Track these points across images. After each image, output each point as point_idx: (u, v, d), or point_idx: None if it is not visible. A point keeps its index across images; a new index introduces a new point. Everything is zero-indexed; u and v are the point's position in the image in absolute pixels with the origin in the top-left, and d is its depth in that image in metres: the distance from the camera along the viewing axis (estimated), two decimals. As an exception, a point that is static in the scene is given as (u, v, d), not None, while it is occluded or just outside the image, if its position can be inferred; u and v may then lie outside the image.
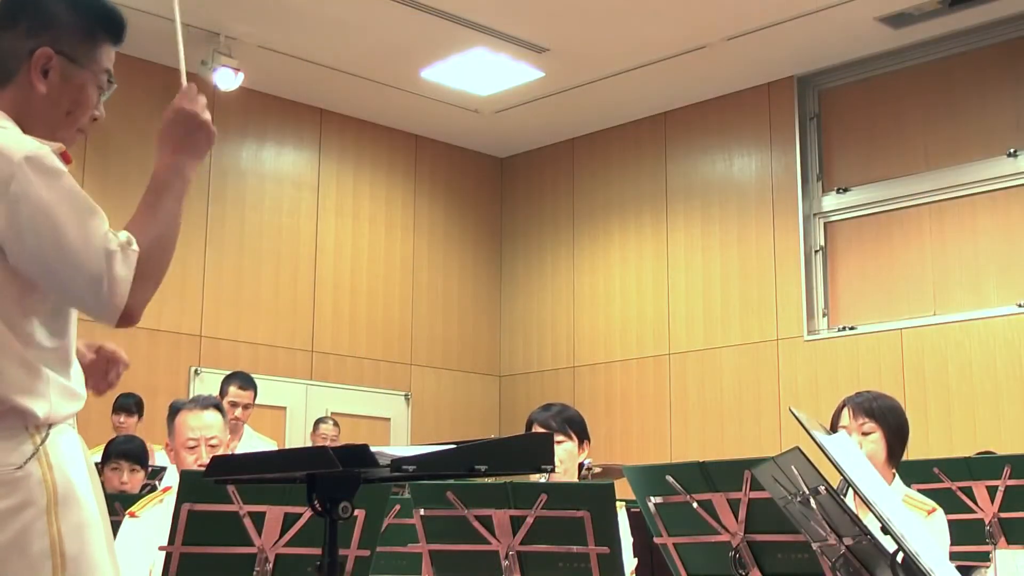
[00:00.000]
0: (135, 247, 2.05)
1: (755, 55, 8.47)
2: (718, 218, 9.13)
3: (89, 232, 2.02)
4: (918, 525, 2.39)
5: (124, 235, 2.05)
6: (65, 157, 2.11)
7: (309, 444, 7.99)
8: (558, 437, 3.93)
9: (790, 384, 8.45)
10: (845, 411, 3.68)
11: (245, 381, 6.43)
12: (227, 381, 6.46)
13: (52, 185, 2.03)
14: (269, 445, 6.53)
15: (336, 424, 8.19)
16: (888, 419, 3.63)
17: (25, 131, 2.12)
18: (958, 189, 8.10)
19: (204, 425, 3.94)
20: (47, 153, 2.06)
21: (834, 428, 3.71)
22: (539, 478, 3.36)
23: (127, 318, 2.05)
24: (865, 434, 3.61)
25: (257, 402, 6.58)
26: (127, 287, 2.03)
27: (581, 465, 4.14)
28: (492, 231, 10.59)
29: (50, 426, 2.07)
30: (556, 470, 3.20)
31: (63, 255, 2.00)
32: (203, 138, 2.25)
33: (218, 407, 4.06)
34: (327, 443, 7.67)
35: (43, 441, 2.05)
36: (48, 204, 2.01)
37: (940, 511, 3.55)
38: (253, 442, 6.44)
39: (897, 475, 3.67)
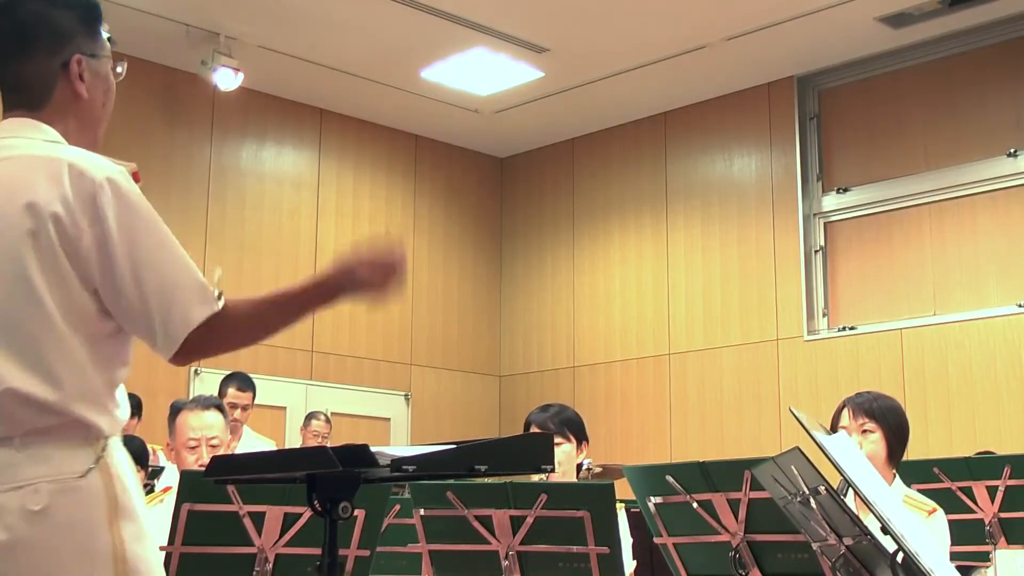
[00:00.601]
0: (220, 302, 2.12)
1: (755, 55, 8.47)
2: (718, 218, 9.13)
3: (166, 262, 2.09)
4: (918, 525, 2.39)
5: (216, 288, 2.13)
6: (135, 176, 2.17)
7: (300, 439, 7.97)
8: (556, 439, 3.93)
9: (790, 384, 8.45)
10: (845, 411, 3.68)
11: (244, 382, 6.43)
12: (226, 382, 6.46)
13: (133, 208, 2.09)
14: (268, 445, 6.53)
15: (328, 420, 8.16)
16: (888, 419, 3.63)
17: (73, 140, 2.19)
18: (958, 189, 8.10)
19: (205, 425, 3.95)
20: (126, 175, 2.12)
21: (834, 428, 3.71)
22: (538, 478, 3.36)
23: (180, 356, 2.10)
24: (865, 433, 3.61)
25: (257, 402, 6.58)
26: (188, 329, 2.08)
27: (580, 466, 4.14)
28: (492, 231, 10.59)
29: (107, 438, 2.11)
30: (555, 472, 3.20)
31: (137, 280, 2.06)
32: (378, 286, 2.23)
33: (219, 408, 4.07)
34: (319, 439, 7.66)
35: (103, 452, 2.10)
36: (130, 228, 2.07)
37: (940, 511, 3.55)
38: (252, 442, 6.44)
39: (897, 475, 3.67)
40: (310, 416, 8.29)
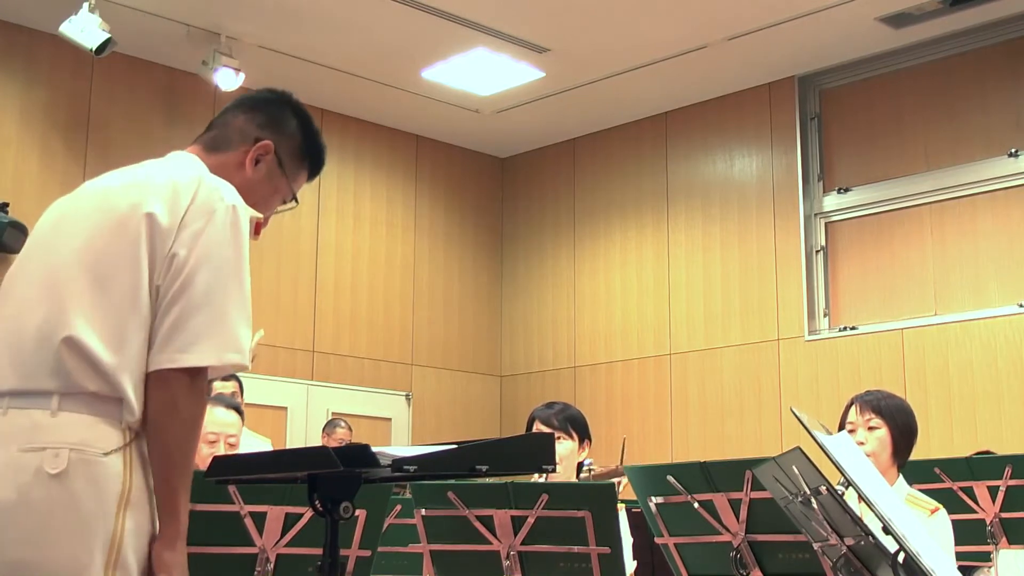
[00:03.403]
0: (243, 359, 2.18)
1: (755, 55, 8.47)
2: (719, 218, 9.13)
3: (229, 296, 2.16)
4: (920, 525, 2.39)
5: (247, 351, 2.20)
6: (257, 228, 2.35)
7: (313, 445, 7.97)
8: (558, 435, 3.94)
9: (791, 384, 8.45)
10: (853, 407, 3.69)
11: (230, 406, 6.42)
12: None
13: (237, 242, 2.20)
14: (264, 443, 6.53)
15: (349, 428, 8.18)
16: (896, 418, 3.64)
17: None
18: (958, 189, 8.09)
19: (226, 422, 4.00)
20: (249, 213, 2.26)
21: (842, 425, 3.72)
22: (538, 478, 3.36)
23: (160, 378, 2.12)
24: (871, 430, 3.62)
25: (258, 402, 6.58)
26: (190, 362, 2.12)
27: (581, 465, 4.15)
28: (493, 231, 10.59)
29: (137, 431, 2.15)
30: (556, 469, 3.20)
31: (203, 301, 2.13)
32: None
33: (238, 409, 4.13)
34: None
35: (131, 440, 2.13)
36: (222, 256, 2.16)
37: (943, 510, 3.55)
38: (247, 440, 6.43)
39: (901, 475, 3.67)
40: (332, 424, 8.28)
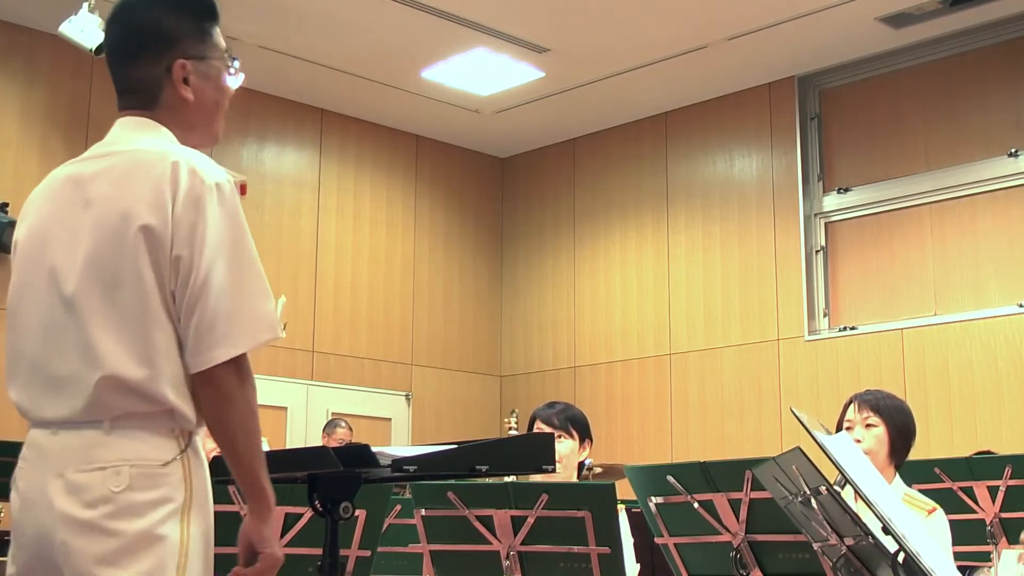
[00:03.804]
0: (274, 332, 2.16)
1: (755, 55, 8.47)
2: (719, 218, 9.13)
3: (245, 279, 2.14)
4: (918, 525, 2.39)
5: (277, 318, 2.19)
6: (242, 188, 2.22)
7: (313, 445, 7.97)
8: (558, 434, 3.94)
9: (791, 384, 8.45)
10: (852, 405, 3.70)
11: None
12: None
13: (233, 221, 2.16)
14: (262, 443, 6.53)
15: (350, 428, 8.18)
16: (895, 418, 3.64)
17: (187, 140, 2.28)
18: (958, 189, 8.09)
19: None
20: (232, 184, 2.20)
21: (840, 423, 3.72)
22: (538, 477, 3.36)
23: (205, 377, 2.12)
24: (869, 428, 3.62)
25: (258, 402, 6.57)
26: (229, 354, 2.11)
27: (581, 465, 4.14)
28: (493, 231, 10.59)
29: (191, 434, 2.17)
30: (556, 468, 3.20)
31: (220, 293, 2.11)
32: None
33: None
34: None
35: (187, 446, 2.15)
36: (224, 243, 2.13)
37: (940, 510, 3.55)
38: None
39: (898, 475, 3.67)
40: (332, 424, 8.28)
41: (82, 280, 2.15)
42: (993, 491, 4.04)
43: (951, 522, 3.61)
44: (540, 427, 4.02)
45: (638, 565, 3.86)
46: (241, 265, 2.14)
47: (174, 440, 2.13)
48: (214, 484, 2.21)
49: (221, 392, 2.11)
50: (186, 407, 2.13)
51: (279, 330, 2.16)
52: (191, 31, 2.32)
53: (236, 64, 2.40)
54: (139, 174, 2.17)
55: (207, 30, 2.35)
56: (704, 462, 3.11)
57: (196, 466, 2.15)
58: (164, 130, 2.28)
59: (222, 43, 2.38)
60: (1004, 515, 4.03)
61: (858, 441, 3.57)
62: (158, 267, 2.13)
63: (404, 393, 9.72)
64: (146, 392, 2.10)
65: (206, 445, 3.99)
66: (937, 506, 3.55)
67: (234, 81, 2.38)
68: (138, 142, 2.23)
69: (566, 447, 3.96)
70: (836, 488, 2.26)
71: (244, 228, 2.18)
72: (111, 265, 2.14)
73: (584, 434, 4.06)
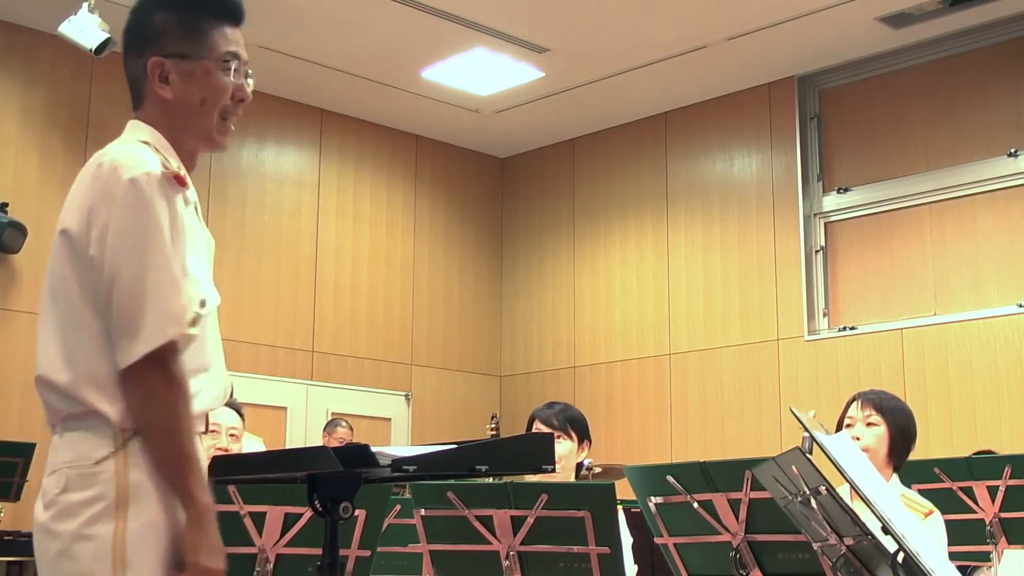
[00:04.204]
0: (180, 328, 2.11)
1: (755, 55, 8.47)
2: (719, 218, 9.13)
3: (149, 274, 2.12)
4: (917, 525, 2.39)
5: (192, 313, 2.15)
6: (179, 179, 2.22)
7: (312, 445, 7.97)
8: (557, 435, 3.94)
9: (791, 384, 8.45)
10: (855, 403, 3.70)
11: (230, 406, 6.42)
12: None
13: (145, 215, 2.13)
14: (257, 442, 6.53)
15: (350, 427, 8.18)
16: (896, 418, 3.65)
17: (174, 138, 2.29)
18: (958, 189, 8.09)
19: (226, 417, 4.02)
20: (153, 177, 2.16)
21: (841, 421, 3.72)
22: (536, 477, 3.36)
23: (128, 376, 2.11)
24: (869, 426, 3.62)
25: (258, 402, 6.58)
26: (139, 351, 2.09)
27: (580, 465, 4.15)
28: (492, 231, 10.59)
29: (133, 431, 2.14)
30: (555, 469, 3.20)
31: (128, 291, 2.11)
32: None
33: (239, 411, 4.15)
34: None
35: (125, 443, 2.14)
36: (132, 238, 2.12)
37: (937, 513, 3.55)
38: (243, 439, 6.43)
39: (896, 475, 3.67)
40: (333, 423, 8.28)
41: (43, 290, 2.25)
42: (993, 491, 4.04)
43: (951, 522, 3.61)
44: (539, 427, 4.02)
45: (636, 566, 3.86)
46: (148, 261, 2.12)
47: (111, 439, 2.13)
48: (214, 484, 2.20)
49: (141, 392, 2.11)
50: (109, 408, 2.12)
51: (184, 327, 2.12)
52: (175, 29, 2.29)
53: (234, 66, 2.33)
54: (81, 179, 2.24)
55: (200, 29, 2.30)
56: (704, 462, 3.11)
57: (135, 463, 2.12)
58: (143, 130, 2.30)
59: (227, 46, 2.32)
60: (1004, 515, 4.04)
61: (857, 439, 3.57)
62: (79, 269, 2.16)
63: (404, 393, 9.72)
64: (71, 394, 2.14)
65: (221, 441, 4.00)
66: (934, 508, 3.55)
67: (234, 84, 2.33)
68: (107, 146, 2.28)
69: (565, 448, 3.96)
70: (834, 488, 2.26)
71: (154, 221, 2.13)
72: (50, 273, 2.22)
73: (583, 435, 4.06)
